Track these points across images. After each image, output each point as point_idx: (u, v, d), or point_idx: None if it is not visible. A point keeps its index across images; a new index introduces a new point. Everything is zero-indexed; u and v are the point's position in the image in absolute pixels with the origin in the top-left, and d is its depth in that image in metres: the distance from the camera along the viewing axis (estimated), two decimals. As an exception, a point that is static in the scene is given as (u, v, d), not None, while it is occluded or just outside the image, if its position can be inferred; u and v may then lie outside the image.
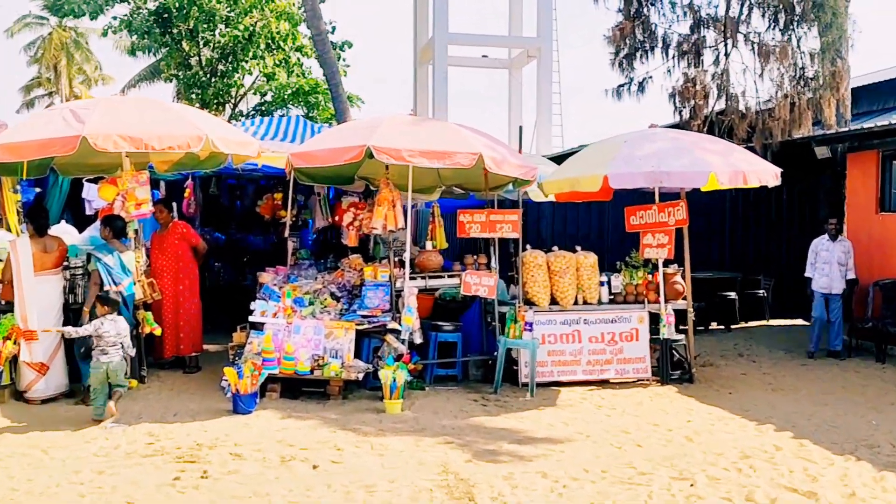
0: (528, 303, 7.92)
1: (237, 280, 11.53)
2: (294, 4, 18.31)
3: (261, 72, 17.90)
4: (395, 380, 6.63)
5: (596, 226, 14.29)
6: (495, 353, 7.96)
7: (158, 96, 25.70)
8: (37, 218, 6.84)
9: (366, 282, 7.66)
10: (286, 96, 18.20)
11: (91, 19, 18.70)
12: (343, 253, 10.13)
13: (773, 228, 12.52)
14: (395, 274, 7.69)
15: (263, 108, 18.74)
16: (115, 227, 6.87)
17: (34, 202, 8.88)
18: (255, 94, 19.80)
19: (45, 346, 6.64)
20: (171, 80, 20.40)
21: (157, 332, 7.23)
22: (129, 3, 18.65)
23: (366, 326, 7.27)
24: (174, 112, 7.07)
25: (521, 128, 8.89)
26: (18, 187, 7.90)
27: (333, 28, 18.76)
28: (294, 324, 7.16)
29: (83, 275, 7.40)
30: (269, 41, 18.02)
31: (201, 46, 19.05)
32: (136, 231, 7.25)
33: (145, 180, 7.20)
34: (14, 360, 6.69)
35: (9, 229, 8.40)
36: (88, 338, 6.55)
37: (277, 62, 18.12)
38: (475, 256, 8.11)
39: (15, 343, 6.59)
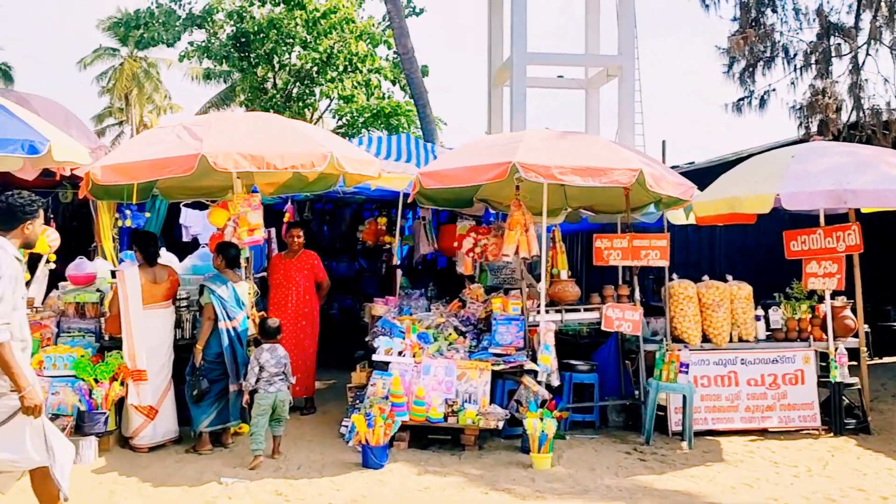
0: (676, 340, 7.01)
1: (324, 308, 10.87)
2: (373, 25, 17.86)
3: (339, 94, 17.42)
4: (543, 431, 5.78)
5: (706, 251, 13.25)
6: (637, 396, 7.09)
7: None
8: (146, 245, 6.22)
9: (495, 315, 6.85)
10: (365, 119, 17.68)
11: (168, 46, 18.54)
12: (441, 281, 9.39)
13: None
14: (528, 307, 6.86)
15: (342, 132, 18.26)
16: (228, 255, 6.21)
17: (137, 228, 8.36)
18: (333, 117, 19.37)
19: (154, 387, 6.00)
20: (245, 106, 20.11)
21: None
22: (206, 30, 18.44)
23: (502, 367, 6.44)
24: (294, 128, 6.43)
25: (664, 142, 8.02)
26: (129, 213, 7.33)
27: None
28: (423, 363, 6.37)
29: (188, 307, 6.79)
30: (347, 63, 17.56)
31: (276, 70, 18.72)
32: (247, 259, 6.59)
33: (258, 204, 6.56)
34: (120, 403, 6.07)
35: (104, 257, 7.88)
36: (201, 379, 5.91)
37: (356, 84, 17.62)
38: (614, 287, 7.22)
39: (122, 384, 5.96)
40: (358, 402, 6.53)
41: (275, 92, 18.72)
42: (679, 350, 6.65)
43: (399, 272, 8.58)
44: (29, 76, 64.12)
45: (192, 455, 5.95)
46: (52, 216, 7.96)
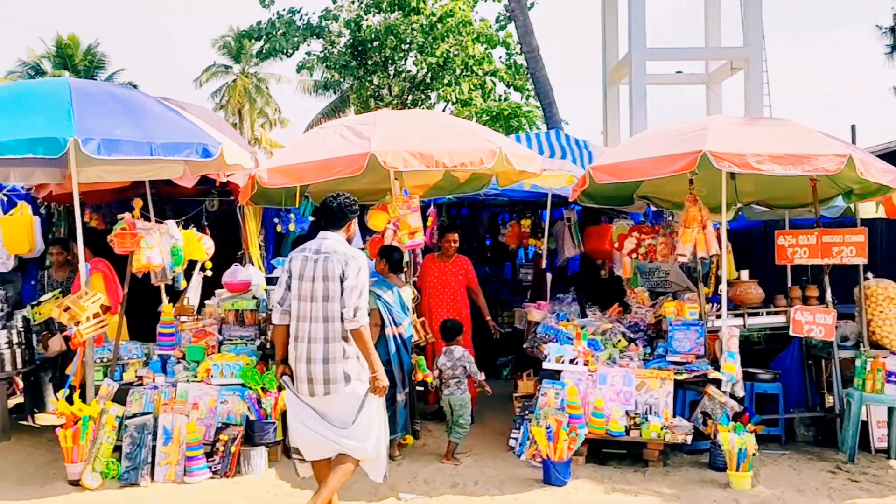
0: (875, 346, 6.30)
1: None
2: (490, 26, 17.57)
3: (457, 98, 17.21)
4: (742, 447, 5.22)
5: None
6: (829, 408, 6.42)
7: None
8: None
9: (670, 321, 6.33)
10: (484, 122, 17.40)
11: (287, 57, 18.84)
12: (581, 286, 8.89)
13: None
14: (707, 311, 6.31)
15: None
16: (392, 259, 5.97)
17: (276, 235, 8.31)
18: (449, 121, 19.19)
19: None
20: (361, 114, 20.26)
21: (430, 378, 6.25)
22: (323, 39, 18.64)
23: (685, 376, 5.92)
24: (460, 124, 6.17)
25: (853, 126, 7.31)
26: (292, 217, 7.22)
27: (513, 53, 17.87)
28: (599, 372, 5.93)
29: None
30: (464, 66, 17.33)
31: (392, 77, 18.72)
32: (407, 264, 6.35)
33: (416, 206, 6.31)
34: (284, 413, 5.90)
35: (251, 264, 7.83)
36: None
37: (472, 87, 17.37)
38: (801, 288, 6.57)
39: (290, 393, 5.79)
40: (527, 412, 6.14)
41: (391, 99, 18.71)
42: (885, 357, 5.95)
43: (549, 276, 8.16)
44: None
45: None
46: (205, 224, 8.02)
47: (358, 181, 6.85)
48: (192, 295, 7.51)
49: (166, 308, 6.46)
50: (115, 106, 5.12)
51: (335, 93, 30.52)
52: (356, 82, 19.12)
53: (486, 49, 17.32)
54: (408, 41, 16.86)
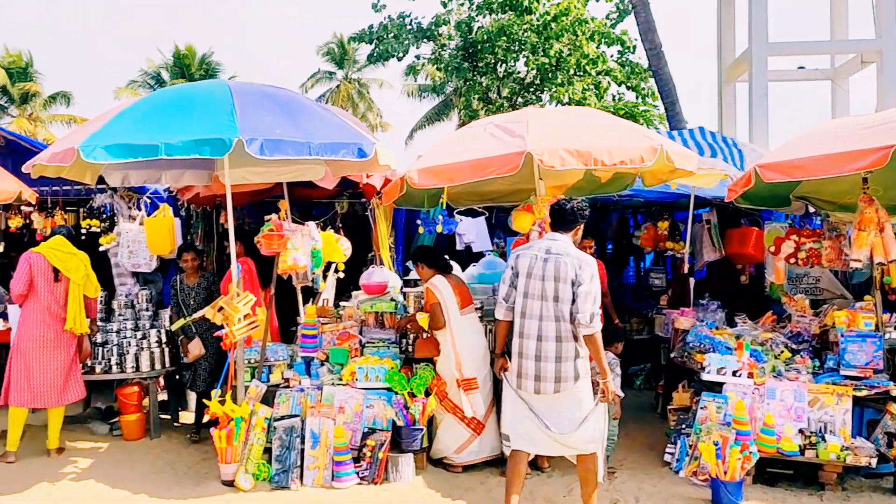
0: None
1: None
2: (606, 24, 17.11)
3: (570, 98, 16.82)
4: (941, 473, 4.71)
5: None
6: None
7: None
8: (432, 257, 5.99)
9: (840, 331, 5.82)
10: (598, 122, 16.93)
11: (398, 60, 18.91)
12: (714, 290, 8.37)
13: None
14: (885, 321, 5.77)
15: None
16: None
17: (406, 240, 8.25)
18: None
19: (483, 397, 5.64)
20: (469, 117, 20.11)
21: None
22: (434, 42, 18.63)
23: (864, 392, 5.42)
24: (616, 121, 5.85)
25: None
26: (440, 218, 7.12)
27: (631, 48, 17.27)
28: (767, 386, 5.50)
29: (481, 318, 6.40)
30: (576, 66, 16.93)
31: (501, 79, 18.49)
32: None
33: (562, 207, 6.03)
34: (432, 420, 5.76)
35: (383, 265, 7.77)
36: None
37: (586, 87, 16.95)
38: None
39: (439, 399, 5.65)
40: (683, 426, 5.77)
41: (500, 101, 18.50)
42: None
43: (692, 281, 7.72)
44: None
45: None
46: (339, 226, 8.02)
47: (496, 182, 6.67)
48: (328, 296, 7.51)
49: (309, 310, 6.44)
50: (272, 105, 5.10)
51: (439, 96, 30.70)
52: (465, 85, 18.98)
53: (600, 48, 16.83)
54: (520, 42, 16.59)
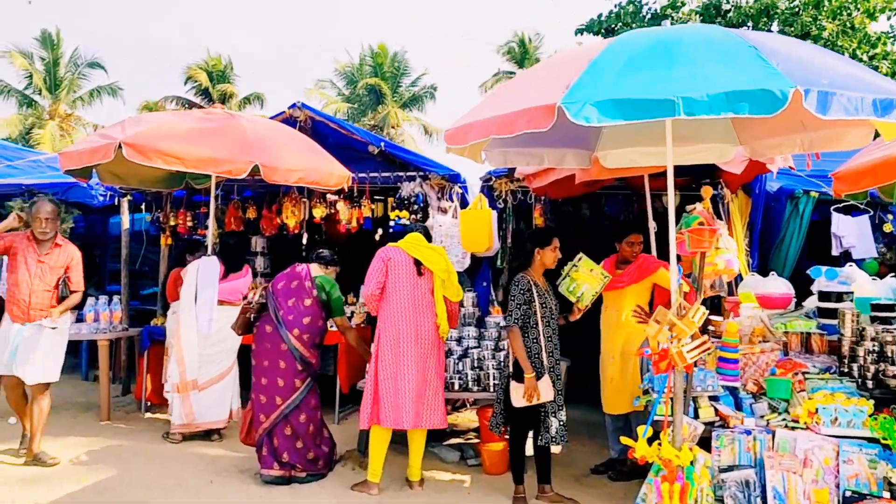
0: None
1: None
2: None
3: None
4: None
5: None
6: None
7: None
8: None
9: None
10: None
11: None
12: None
13: None
14: None
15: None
16: None
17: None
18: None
19: None
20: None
21: None
22: (672, 25, 16.94)
23: None
24: None
25: None
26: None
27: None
28: None
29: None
30: (851, 51, 14.73)
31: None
32: None
33: None
34: None
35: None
36: None
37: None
38: None
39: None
40: None
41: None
42: None
43: None
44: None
45: None
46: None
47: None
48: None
49: (730, 326, 5.06)
50: (782, 48, 3.72)
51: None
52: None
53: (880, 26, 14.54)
54: (787, 21, 14.60)
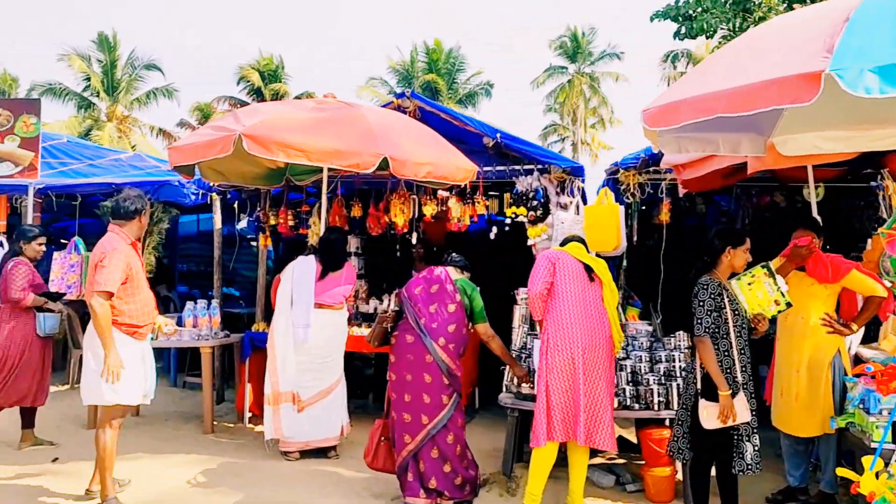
0: None
1: None
2: None
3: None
4: None
5: None
6: None
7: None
8: None
9: None
10: None
11: (708, 38, 16.57)
12: None
13: None
14: None
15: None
16: None
17: None
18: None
19: None
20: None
21: None
22: (752, 13, 16.09)
23: None
24: None
25: None
26: None
27: None
28: None
29: None
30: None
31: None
32: None
33: None
34: None
35: None
36: None
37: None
38: None
39: None
40: None
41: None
42: None
43: None
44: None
45: None
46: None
47: None
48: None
49: (889, 341, 4.40)
50: None
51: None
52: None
53: None
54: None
